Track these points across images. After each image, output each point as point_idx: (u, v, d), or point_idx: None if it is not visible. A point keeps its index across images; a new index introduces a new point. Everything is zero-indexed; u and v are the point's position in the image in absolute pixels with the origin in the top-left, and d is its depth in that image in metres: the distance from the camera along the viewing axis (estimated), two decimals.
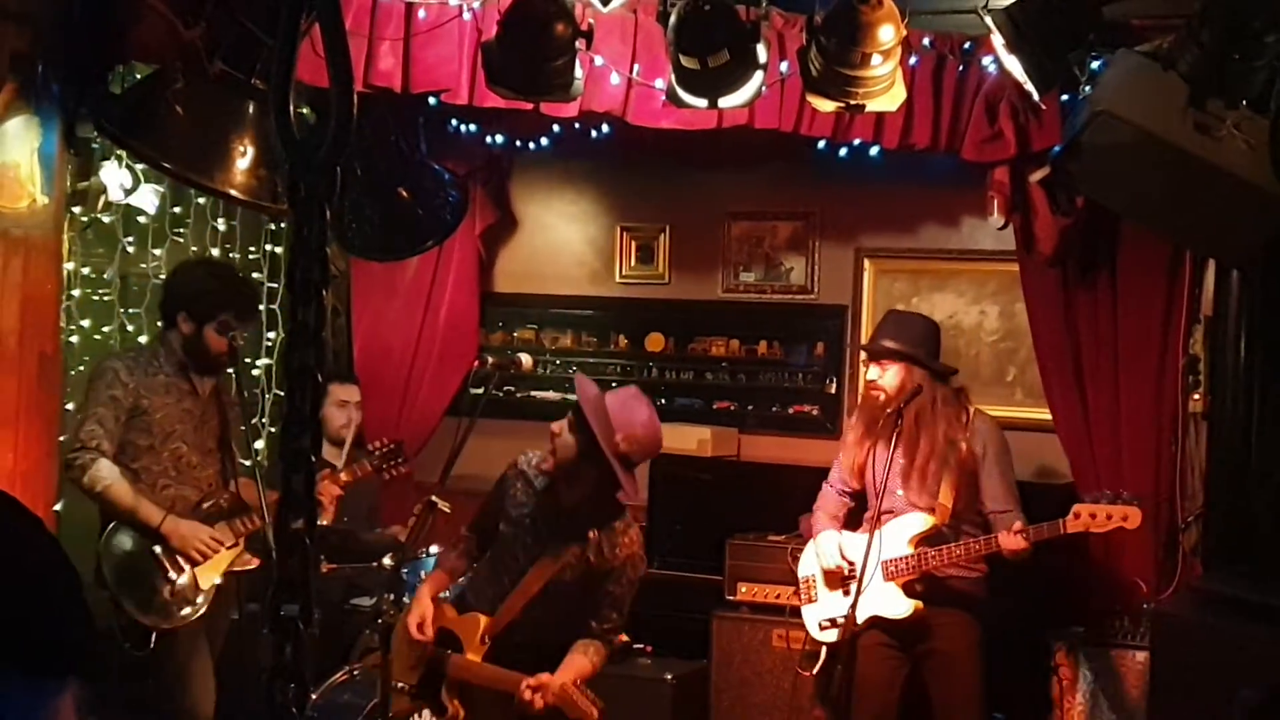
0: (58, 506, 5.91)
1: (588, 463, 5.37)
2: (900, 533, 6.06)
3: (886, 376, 6.12)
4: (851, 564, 6.09)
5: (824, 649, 6.27)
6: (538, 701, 5.29)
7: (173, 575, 5.75)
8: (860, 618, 6.07)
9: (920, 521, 6.05)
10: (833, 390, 8.06)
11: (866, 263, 7.96)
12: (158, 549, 5.74)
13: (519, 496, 5.60)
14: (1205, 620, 5.52)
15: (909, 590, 6.06)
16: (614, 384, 8.41)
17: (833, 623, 6.18)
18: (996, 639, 6.22)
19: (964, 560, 6.02)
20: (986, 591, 6.16)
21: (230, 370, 6.03)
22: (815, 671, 6.31)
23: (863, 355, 6.59)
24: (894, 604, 6.05)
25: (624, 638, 7.15)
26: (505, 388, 8.21)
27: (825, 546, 6.26)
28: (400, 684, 5.53)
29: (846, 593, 6.12)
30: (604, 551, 5.49)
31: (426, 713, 5.73)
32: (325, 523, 6.40)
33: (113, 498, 5.69)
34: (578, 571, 5.50)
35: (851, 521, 6.37)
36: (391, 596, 5.68)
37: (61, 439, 5.96)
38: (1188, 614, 5.67)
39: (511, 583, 5.54)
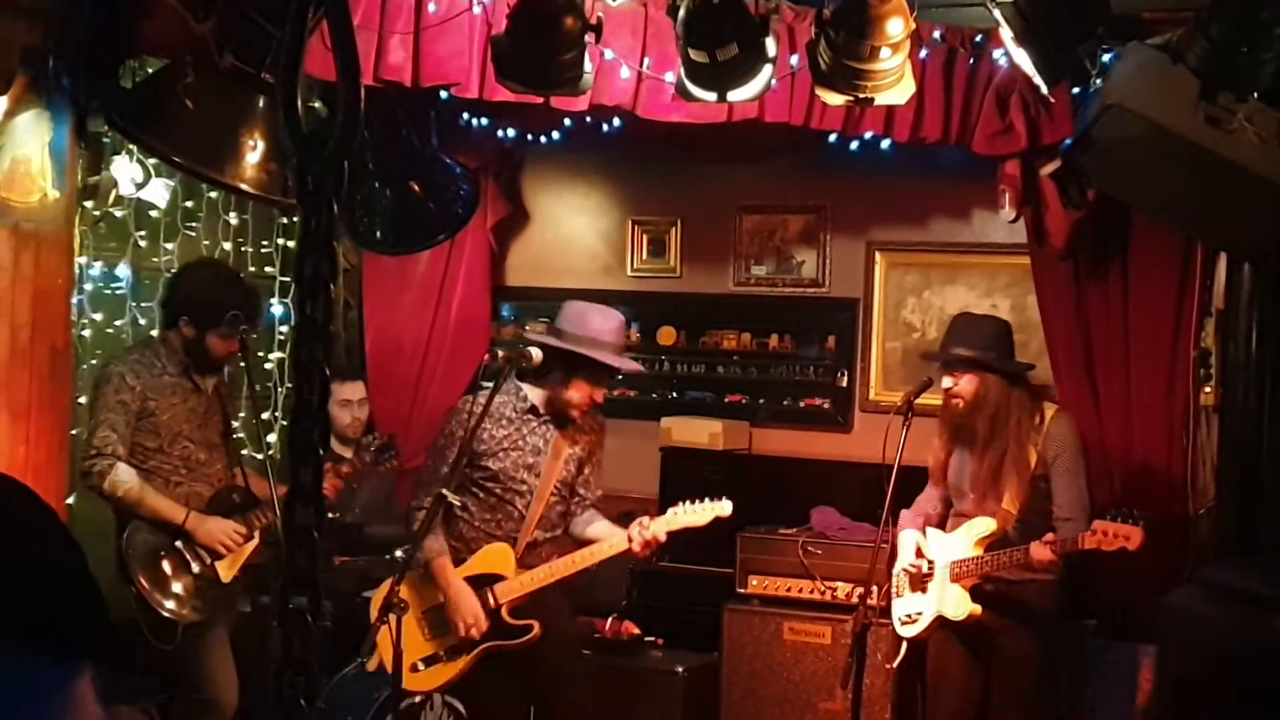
0: (70, 500, 5.93)
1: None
2: (968, 536, 6.10)
3: (961, 384, 6.12)
4: (931, 562, 6.14)
5: (904, 643, 6.32)
6: (661, 536, 5.80)
7: (196, 569, 5.82)
8: (928, 619, 6.16)
9: (984, 526, 6.08)
10: (844, 384, 8.05)
11: (878, 256, 7.95)
12: (179, 544, 5.81)
13: (495, 433, 5.88)
14: (1215, 612, 5.52)
15: (975, 593, 6.08)
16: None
17: (911, 619, 6.23)
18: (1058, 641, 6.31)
19: (1033, 566, 6.01)
20: (1059, 595, 6.16)
21: (242, 364, 6.10)
22: (897, 664, 6.39)
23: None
24: (957, 605, 6.08)
25: (635, 630, 7.21)
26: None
27: (902, 545, 6.32)
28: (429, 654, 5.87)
29: (924, 591, 6.19)
30: (591, 427, 6.08)
31: (437, 698, 5.81)
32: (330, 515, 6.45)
33: (134, 500, 5.75)
34: (575, 460, 6.01)
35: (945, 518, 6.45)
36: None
37: (74, 432, 5.98)
38: (1197, 606, 5.67)
39: (525, 504, 5.92)
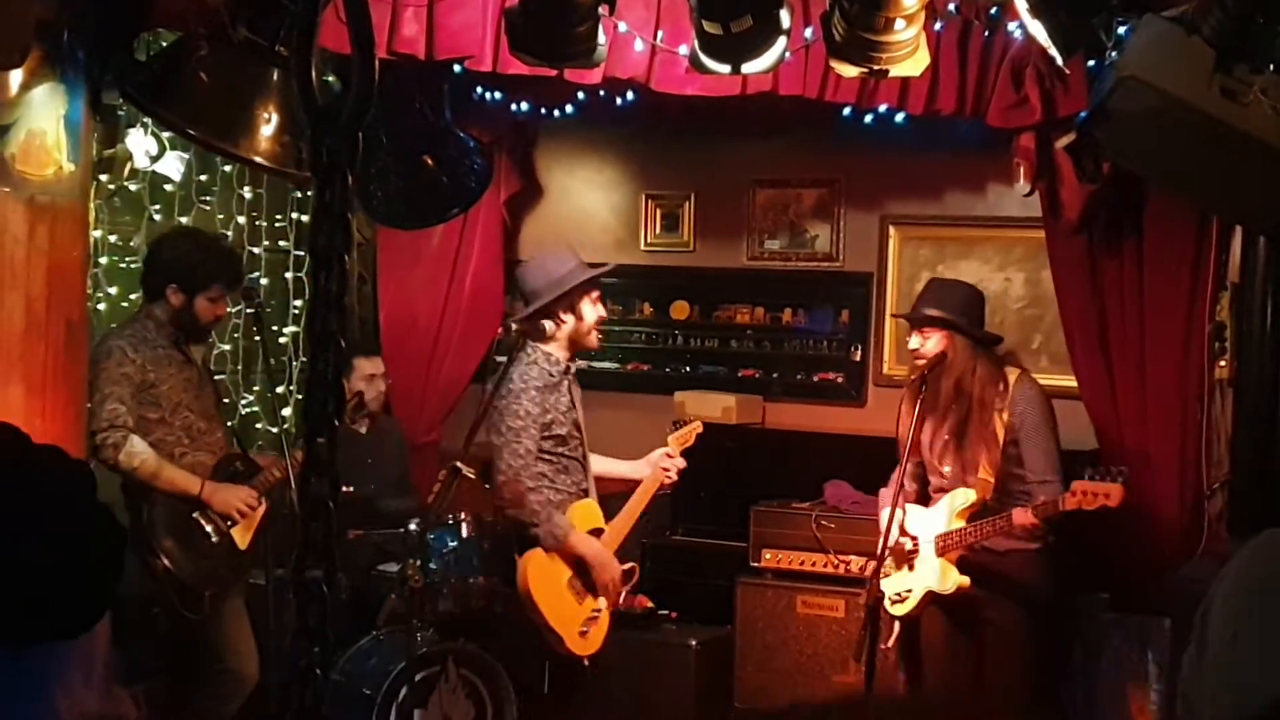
0: None
1: None
2: (948, 508, 6.07)
3: (928, 345, 6.11)
4: (915, 539, 6.12)
5: (896, 622, 6.23)
6: (680, 462, 6.38)
7: (215, 538, 5.85)
8: (918, 595, 6.12)
9: (964, 497, 6.05)
10: (857, 358, 8.05)
11: (892, 230, 7.94)
12: (196, 514, 5.83)
13: (555, 401, 6.04)
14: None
15: (961, 566, 6.06)
16: (638, 352, 8.48)
17: (901, 597, 6.19)
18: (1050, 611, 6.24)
19: (1016, 532, 5.99)
20: (1045, 564, 6.11)
21: (258, 339, 6.14)
22: (890, 643, 6.29)
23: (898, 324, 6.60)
24: (944, 579, 6.05)
25: (648, 603, 7.25)
26: None
27: (884, 524, 6.22)
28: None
29: (911, 568, 6.15)
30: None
31: (452, 670, 5.88)
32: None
33: (150, 471, 5.76)
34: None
35: (922, 494, 6.39)
36: (418, 562, 5.74)
37: (89, 406, 5.99)
38: (1212, 579, 5.66)
39: (583, 454, 6.22)
